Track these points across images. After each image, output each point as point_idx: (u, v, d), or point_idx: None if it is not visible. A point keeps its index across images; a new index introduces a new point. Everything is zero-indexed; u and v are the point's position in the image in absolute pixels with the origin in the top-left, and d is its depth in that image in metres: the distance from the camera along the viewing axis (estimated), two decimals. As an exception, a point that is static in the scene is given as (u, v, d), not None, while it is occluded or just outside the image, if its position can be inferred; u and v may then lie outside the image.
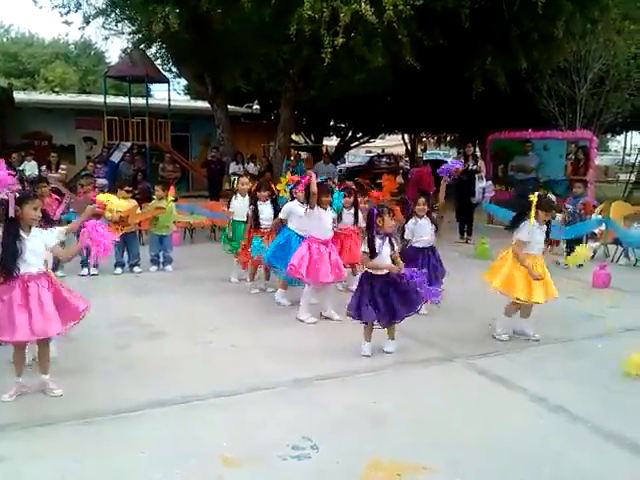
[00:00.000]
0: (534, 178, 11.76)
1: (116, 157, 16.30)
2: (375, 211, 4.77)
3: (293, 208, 6.18)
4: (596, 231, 9.24)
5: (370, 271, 4.76)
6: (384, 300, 4.67)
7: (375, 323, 4.78)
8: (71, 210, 7.42)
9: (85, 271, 7.56)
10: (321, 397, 4.04)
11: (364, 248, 4.75)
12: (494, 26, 11.26)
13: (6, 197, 3.73)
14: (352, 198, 6.61)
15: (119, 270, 7.79)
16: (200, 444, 3.36)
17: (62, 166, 11.92)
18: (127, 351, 4.88)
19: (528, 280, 5.03)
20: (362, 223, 6.63)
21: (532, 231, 5.05)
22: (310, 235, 5.72)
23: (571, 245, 8.74)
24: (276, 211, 6.65)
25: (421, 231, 5.83)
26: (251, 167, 14.09)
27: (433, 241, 5.91)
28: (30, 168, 11.59)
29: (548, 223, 5.19)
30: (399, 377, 4.44)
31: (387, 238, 4.75)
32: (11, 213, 3.73)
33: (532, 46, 11.99)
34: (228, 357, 4.79)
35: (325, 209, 5.69)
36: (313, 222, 5.69)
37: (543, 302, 5.14)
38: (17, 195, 3.79)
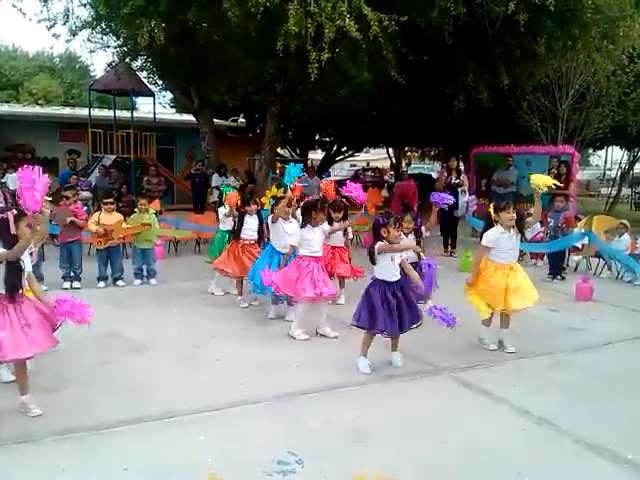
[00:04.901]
0: (513, 192, 11.90)
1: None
2: (380, 221, 4.70)
3: (276, 225, 6.18)
4: (578, 244, 9.35)
5: (380, 278, 4.68)
6: (394, 308, 4.59)
7: (384, 335, 4.73)
8: (53, 223, 7.36)
9: (67, 285, 7.47)
10: (306, 411, 4.01)
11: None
12: (477, 43, 11.44)
13: (4, 215, 3.72)
14: (342, 213, 6.58)
15: (102, 284, 7.71)
16: (184, 460, 3.32)
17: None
18: (109, 366, 4.82)
19: (495, 288, 5.11)
20: (351, 235, 6.69)
21: (498, 238, 5.16)
22: (299, 252, 5.72)
23: (553, 258, 8.86)
24: (261, 223, 6.68)
25: None
26: (231, 180, 14.10)
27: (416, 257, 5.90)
28: (12, 180, 11.44)
29: (522, 233, 5.30)
30: (384, 391, 4.43)
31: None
32: (13, 230, 3.72)
33: (514, 63, 12.20)
34: (212, 371, 4.75)
35: (316, 226, 5.71)
36: (303, 239, 5.68)
37: (509, 311, 5.20)
38: (15, 212, 3.78)
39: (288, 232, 6.05)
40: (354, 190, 5.90)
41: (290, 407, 4.08)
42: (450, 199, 6.08)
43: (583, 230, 9.30)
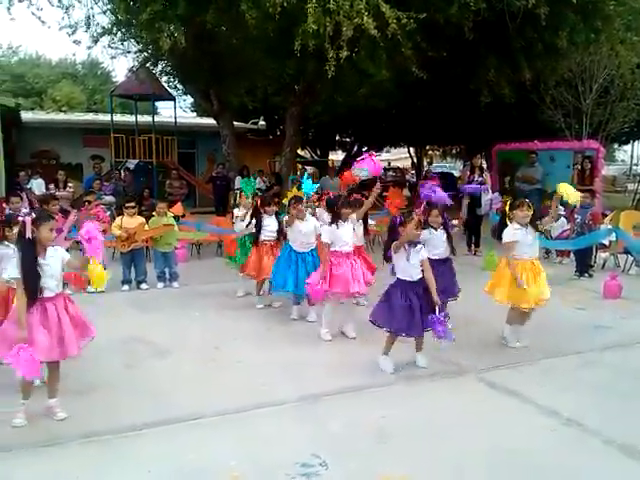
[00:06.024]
0: (538, 189, 11.70)
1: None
2: (397, 220, 4.68)
3: (295, 225, 6.17)
4: (605, 241, 9.16)
5: (401, 278, 4.63)
6: (417, 309, 4.52)
7: (403, 335, 4.67)
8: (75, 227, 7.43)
9: (91, 288, 7.53)
10: (329, 413, 3.98)
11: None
12: (497, 38, 11.29)
13: (23, 219, 3.72)
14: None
15: (126, 287, 7.78)
16: (207, 462, 3.31)
17: (69, 184, 11.97)
18: (133, 370, 4.84)
19: (514, 285, 5.07)
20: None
21: (515, 234, 5.15)
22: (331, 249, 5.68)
23: (580, 256, 8.69)
24: (280, 224, 6.66)
25: (436, 243, 5.60)
26: (258, 181, 14.11)
27: (447, 253, 5.79)
28: (37, 186, 11.62)
29: (537, 230, 5.26)
30: (409, 391, 4.37)
31: (415, 246, 4.61)
32: (28, 234, 3.69)
33: (536, 57, 12.01)
34: (235, 374, 4.74)
35: (344, 222, 5.69)
36: (334, 236, 5.65)
37: (529, 308, 5.16)
38: (33, 216, 3.78)
39: (302, 231, 6.10)
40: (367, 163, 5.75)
41: (314, 409, 4.05)
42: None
43: (610, 226, 9.11)
